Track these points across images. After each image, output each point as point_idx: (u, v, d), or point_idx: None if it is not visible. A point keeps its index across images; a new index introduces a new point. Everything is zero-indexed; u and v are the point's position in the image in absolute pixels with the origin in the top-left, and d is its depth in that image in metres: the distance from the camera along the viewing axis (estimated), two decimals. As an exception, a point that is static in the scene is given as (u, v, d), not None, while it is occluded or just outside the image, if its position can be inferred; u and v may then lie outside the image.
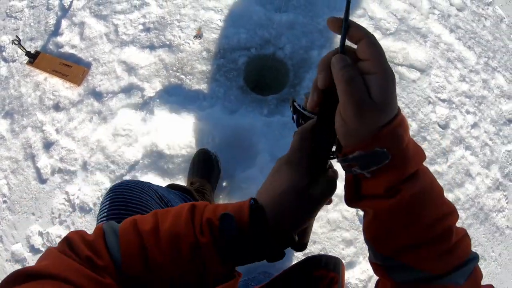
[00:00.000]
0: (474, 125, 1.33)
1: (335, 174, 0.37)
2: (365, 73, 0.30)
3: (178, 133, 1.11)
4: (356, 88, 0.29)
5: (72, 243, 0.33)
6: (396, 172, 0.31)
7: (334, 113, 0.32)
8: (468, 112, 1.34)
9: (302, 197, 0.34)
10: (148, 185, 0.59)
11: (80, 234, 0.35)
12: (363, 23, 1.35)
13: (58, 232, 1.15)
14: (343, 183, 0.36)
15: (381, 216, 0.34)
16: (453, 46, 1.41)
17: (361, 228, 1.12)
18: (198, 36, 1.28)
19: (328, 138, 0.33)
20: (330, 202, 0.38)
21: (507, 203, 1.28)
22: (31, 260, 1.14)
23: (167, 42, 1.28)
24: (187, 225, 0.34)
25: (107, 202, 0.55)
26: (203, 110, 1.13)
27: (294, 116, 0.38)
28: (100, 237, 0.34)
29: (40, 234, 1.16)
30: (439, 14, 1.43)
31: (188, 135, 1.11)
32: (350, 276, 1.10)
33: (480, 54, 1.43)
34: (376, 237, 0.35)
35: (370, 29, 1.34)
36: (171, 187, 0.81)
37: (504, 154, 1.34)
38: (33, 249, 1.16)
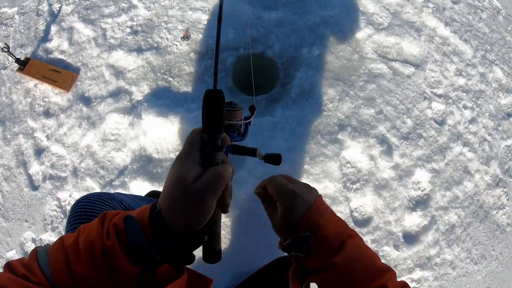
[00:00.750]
0: (472, 121, 1.27)
1: (223, 169, 0.37)
2: (276, 201, 0.46)
3: (166, 137, 1.09)
4: (271, 213, 0.47)
5: (11, 266, 0.36)
6: (323, 247, 0.41)
7: (219, 122, 0.38)
8: (465, 107, 1.28)
9: (187, 188, 0.34)
10: (112, 196, 0.58)
11: (19, 259, 0.38)
12: (355, 18, 1.30)
13: (51, 239, 1.14)
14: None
15: (325, 286, 0.42)
16: (448, 39, 1.36)
17: (356, 230, 1.08)
18: (186, 37, 1.25)
19: (211, 134, 0.37)
20: (226, 209, 0.40)
21: (507, 200, 1.23)
22: (25, 267, 1.14)
23: (155, 45, 1.26)
24: (97, 232, 0.35)
25: (72, 216, 0.55)
26: (191, 113, 1.10)
27: None
28: (33, 258, 0.37)
29: (34, 241, 1.15)
30: (433, 7, 1.38)
31: (177, 138, 1.09)
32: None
33: (477, 47, 1.38)
34: None
35: (362, 24, 1.30)
36: (151, 194, 0.81)
37: (503, 150, 1.28)
38: (27, 256, 1.15)
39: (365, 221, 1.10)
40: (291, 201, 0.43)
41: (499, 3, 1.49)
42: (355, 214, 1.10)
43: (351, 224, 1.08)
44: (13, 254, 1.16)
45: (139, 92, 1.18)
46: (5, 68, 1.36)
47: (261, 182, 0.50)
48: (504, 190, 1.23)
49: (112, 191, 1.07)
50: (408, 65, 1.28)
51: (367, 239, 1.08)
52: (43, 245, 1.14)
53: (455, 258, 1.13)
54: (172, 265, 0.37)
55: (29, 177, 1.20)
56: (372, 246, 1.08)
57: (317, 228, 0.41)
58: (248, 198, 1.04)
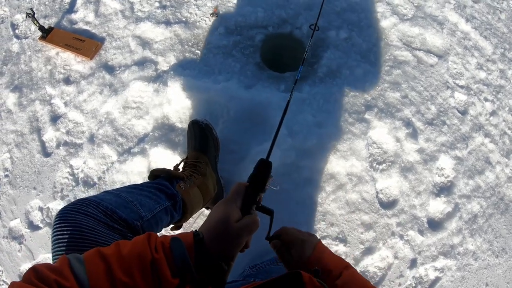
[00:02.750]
0: (493, 113, 1.27)
1: (257, 218, 0.49)
2: (289, 248, 0.59)
3: (191, 106, 1.05)
4: (285, 257, 0.59)
5: (38, 272, 0.37)
6: (328, 276, 0.52)
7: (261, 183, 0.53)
8: (486, 99, 1.28)
9: (230, 226, 0.45)
10: (88, 203, 0.57)
11: (45, 264, 0.39)
12: (380, 7, 1.32)
13: (59, 208, 1.07)
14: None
15: None
16: (469, 35, 1.38)
17: (381, 212, 1.04)
18: (215, 14, 1.24)
19: (254, 190, 0.51)
20: (247, 246, 0.49)
21: (529, 193, 1.21)
22: (29, 238, 1.06)
23: (183, 19, 1.25)
24: (144, 246, 0.41)
25: (54, 234, 0.53)
26: (218, 83, 1.08)
27: None
28: (66, 264, 0.39)
29: (40, 209, 1.08)
30: (455, 3, 1.41)
31: (202, 108, 1.05)
32: (368, 263, 1.01)
33: (496, 44, 1.40)
34: None
35: (388, 12, 1.31)
36: (153, 174, 0.79)
37: (524, 144, 1.27)
38: (31, 226, 1.07)
39: (390, 204, 1.06)
40: (302, 246, 0.57)
41: None
42: (381, 195, 1.06)
43: (376, 206, 1.04)
44: (17, 224, 1.09)
45: (165, 62, 1.16)
46: (26, 37, 1.33)
47: (275, 233, 0.61)
48: (526, 183, 1.21)
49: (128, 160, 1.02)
50: (432, 55, 1.29)
51: (392, 222, 1.04)
52: (51, 214, 1.06)
53: (477, 249, 1.09)
54: (207, 284, 0.43)
55: (42, 143, 1.15)
56: (397, 229, 1.03)
57: (322, 263, 0.54)
58: (275, 170, 0.99)
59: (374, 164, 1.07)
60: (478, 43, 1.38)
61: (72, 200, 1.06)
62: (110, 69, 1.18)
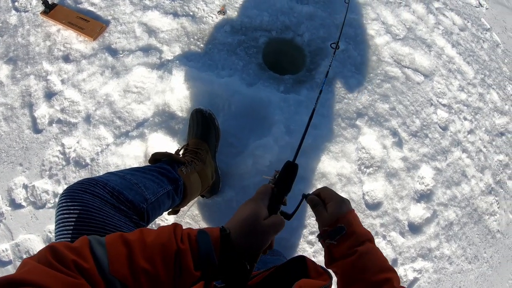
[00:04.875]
0: (471, 131, 1.45)
1: (282, 218, 0.53)
2: (326, 202, 0.63)
3: (193, 96, 1.13)
4: (320, 210, 0.62)
5: (56, 251, 0.37)
6: (351, 239, 0.56)
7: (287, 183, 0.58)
8: (465, 118, 1.47)
9: (258, 223, 0.48)
10: (95, 183, 0.59)
11: (63, 243, 0.40)
12: (376, 25, 1.49)
13: (45, 187, 1.09)
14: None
15: (345, 269, 0.56)
16: (454, 59, 1.58)
17: (367, 212, 1.15)
18: (222, 12, 1.35)
19: (281, 192, 0.56)
20: (271, 247, 0.52)
21: (498, 208, 1.38)
22: (9, 216, 1.06)
23: (191, 13, 1.34)
24: (169, 235, 0.43)
25: (58, 212, 0.55)
26: (221, 78, 1.17)
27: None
28: (86, 244, 0.40)
29: (25, 187, 1.09)
30: (443, 30, 1.62)
31: (204, 99, 1.14)
32: (351, 260, 1.11)
33: (478, 70, 1.61)
34: (344, 286, 0.55)
35: (382, 30, 1.49)
36: (154, 157, 0.81)
37: (496, 163, 1.46)
38: (13, 204, 1.08)
39: (375, 205, 1.18)
40: (338, 204, 0.61)
41: (498, 38, 1.78)
42: (367, 197, 1.18)
43: (362, 206, 1.15)
44: (-4, 200, 1.09)
45: (170, 52, 1.24)
46: (26, 11, 1.37)
47: (315, 191, 0.67)
48: (496, 198, 1.39)
49: (123, 144, 1.07)
50: (419, 73, 1.47)
51: (376, 223, 1.15)
52: (35, 193, 1.07)
53: (452, 254, 1.22)
54: (227, 281, 0.45)
55: (33, 119, 1.17)
56: (380, 229, 1.15)
57: (350, 225, 0.58)
58: (270, 166, 1.09)
59: (362, 168, 1.19)
60: (461, 67, 1.59)
61: (61, 180, 1.09)
62: (113, 52, 1.24)
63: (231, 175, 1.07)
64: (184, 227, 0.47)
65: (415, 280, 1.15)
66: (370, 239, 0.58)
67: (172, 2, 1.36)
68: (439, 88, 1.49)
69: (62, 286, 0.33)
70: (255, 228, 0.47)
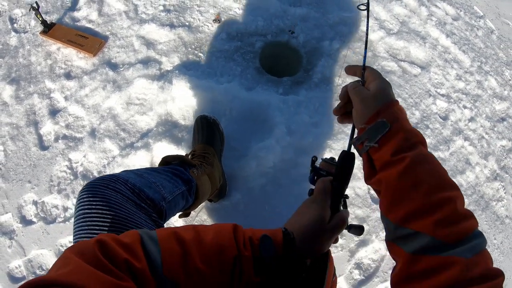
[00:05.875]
0: (471, 119, 1.48)
1: (346, 214, 0.51)
2: (367, 85, 0.51)
3: (195, 104, 1.17)
4: (360, 89, 0.50)
5: (106, 246, 0.34)
6: (397, 138, 0.43)
7: (345, 179, 0.50)
8: (465, 107, 1.49)
9: (324, 227, 0.46)
10: (116, 178, 0.58)
11: (113, 237, 0.37)
12: (369, 22, 1.52)
13: (55, 202, 1.12)
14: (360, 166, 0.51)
15: (391, 182, 0.43)
16: (449, 49, 1.61)
17: (373, 207, 1.17)
18: (217, 20, 1.39)
19: (342, 186, 0.50)
20: (336, 241, 0.51)
21: (505, 193, 1.39)
22: (21, 233, 1.09)
23: (187, 23, 1.38)
24: (230, 238, 0.41)
25: (78, 207, 0.55)
26: (221, 84, 1.20)
27: (311, 175, 0.57)
28: (137, 241, 0.37)
29: (35, 203, 1.12)
30: (436, 21, 1.65)
31: (205, 106, 1.17)
32: (363, 256, 1.13)
33: (474, 58, 1.64)
34: (388, 206, 0.43)
35: (375, 27, 1.52)
36: (165, 160, 0.82)
37: (499, 148, 1.48)
38: (24, 220, 1.11)
39: (381, 200, 1.20)
40: (384, 85, 0.48)
41: (492, 25, 1.81)
42: (372, 191, 1.20)
43: (368, 201, 1.18)
44: (8, 218, 1.12)
45: (169, 62, 1.28)
46: (25, 32, 1.41)
47: (361, 67, 0.54)
48: (502, 184, 1.40)
49: (130, 157, 1.10)
50: (415, 66, 1.50)
51: (383, 217, 1.17)
52: (45, 208, 1.09)
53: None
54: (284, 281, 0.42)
55: (39, 136, 1.20)
56: (388, 224, 1.17)
57: (396, 119, 0.44)
58: (274, 166, 1.12)
59: (366, 163, 1.22)
60: (457, 56, 1.62)
61: (70, 194, 1.12)
62: (113, 66, 1.28)
63: (236, 178, 1.09)
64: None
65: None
66: (423, 142, 0.44)
67: (168, 13, 1.40)
68: (436, 79, 1.52)
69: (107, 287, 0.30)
70: (322, 233, 0.45)
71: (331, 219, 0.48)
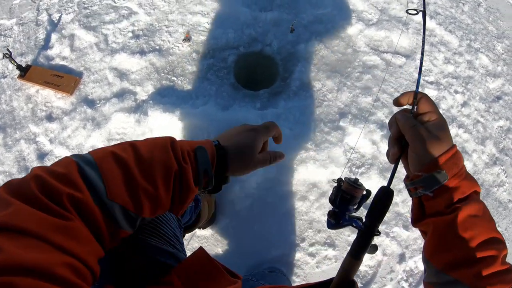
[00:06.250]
0: (464, 104, 1.41)
1: (270, 156, 0.52)
2: (424, 122, 0.46)
3: (173, 132, 1.17)
4: (421, 130, 0.44)
5: (44, 182, 0.32)
6: (453, 191, 0.42)
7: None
8: (456, 92, 1.42)
9: (253, 156, 0.49)
10: None
11: (47, 169, 0.34)
12: (346, 15, 1.46)
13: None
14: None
15: (440, 229, 0.44)
16: (434, 31, 1.52)
17: (364, 213, 1.16)
18: (187, 39, 1.36)
19: (375, 224, 0.46)
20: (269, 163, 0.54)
21: (506, 177, 1.34)
22: None
23: (157, 47, 1.36)
24: (167, 152, 0.41)
25: None
26: (196, 108, 1.19)
27: (334, 197, 0.52)
28: (75, 169, 0.35)
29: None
30: (418, 2, 1.55)
31: (184, 133, 1.17)
32: (358, 262, 1.13)
33: (462, 37, 1.55)
34: (433, 251, 0.44)
35: (353, 21, 1.45)
36: None
37: (496, 130, 1.41)
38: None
39: (372, 204, 1.18)
40: (444, 124, 0.44)
41: None
42: (363, 197, 1.18)
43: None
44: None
45: (144, 92, 1.27)
46: (4, 76, 1.44)
47: (403, 97, 0.48)
48: (502, 168, 1.35)
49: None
50: (399, 56, 1.43)
51: (376, 222, 1.15)
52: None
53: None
54: (213, 190, 0.48)
55: (32, 182, 1.24)
56: (381, 228, 1.15)
57: (455, 171, 0.43)
58: (258, 187, 1.11)
59: (354, 169, 1.19)
60: (444, 38, 1.53)
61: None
62: (90, 103, 1.29)
63: (222, 203, 1.10)
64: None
65: (427, 270, 1.16)
66: (477, 191, 0.45)
67: (137, 40, 1.38)
68: (423, 66, 1.45)
69: (52, 231, 0.29)
70: (249, 159, 0.48)
71: (260, 153, 0.51)
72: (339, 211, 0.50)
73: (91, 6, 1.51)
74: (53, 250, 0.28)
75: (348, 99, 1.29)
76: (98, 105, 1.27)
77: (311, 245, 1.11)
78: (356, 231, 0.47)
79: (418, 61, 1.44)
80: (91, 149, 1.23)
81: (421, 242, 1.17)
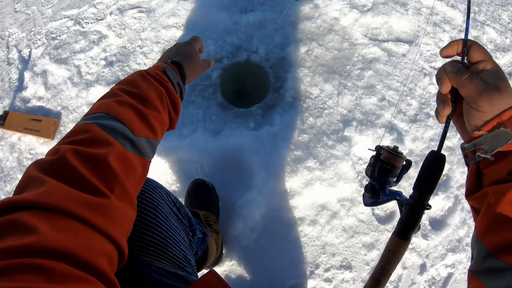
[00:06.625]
0: (477, 88, 1.10)
1: (208, 63, 0.57)
2: (479, 72, 0.34)
3: (163, 170, 0.92)
4: (477, 81, 0.33)
5: (84, 153, 0.28)
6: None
7: None
8: (467, 75, 1.11)
9: (198, 60, 0.53)
10: (161, 186, 0.51)
11: (74, 141, 0.31)
12: (337, 4, 1.11)
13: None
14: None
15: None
16: (436, 9, 1.17)
17: (380, 228, 0.92)
18: (164, 58, 1.06)
19: (425, 197, 0.36)
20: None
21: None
22: None
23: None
24: (151, 82, 0.40)
25: None
26: (184, 139, 0.92)
27: (371, 168, 0.41)
28: (97, 130, 0.32)
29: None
30: (415, -24, 1.18)
31: (175, 169, 0.92)
32: (378, 280, 0.91)
33: (465, 11, 1.19)
34: (487, 229, 0.32)
35: (346, 8, 1.10)
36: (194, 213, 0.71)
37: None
38: None
39: (388, 217, 0.94)
40: (503, 75, 0.33)
41: None
42: (377, 211, 0.94)
43: (374, 224, 0.92)
44: None
45: (126, 126, 1.00)
46: (-14, 125, 1.18)
47: (451, 44, 0.37)
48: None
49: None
50: (401, 43, 1.10)
51: (394, 236, 0.92)
52: None
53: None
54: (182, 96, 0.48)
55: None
56: (400, 241, 0.92)
57: None
58: (262, 219, 0.88)
59: (364, 182, 0.94)
60: (447, 14, 1.18)
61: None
62: (74, 145, 1.03)
63: (228, 240, 0.88)
64: None
65: (450, 275, 0.94)
66: None
67: (111, 67, 1.08)
68: (428, 51, 1.12)
69: (89, 210, 0.25)
70: (196, 63, 0.52)
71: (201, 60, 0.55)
72: (377, 184, 0.41)
73: (60, 36, 1.19)
74: (91, 232, 0.24)
75: (350, 103, 0.99)
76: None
77: (326, 270, 0.90)
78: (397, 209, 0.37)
79: (422, 46, 1.11)
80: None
81: (442, 248, 0.95)
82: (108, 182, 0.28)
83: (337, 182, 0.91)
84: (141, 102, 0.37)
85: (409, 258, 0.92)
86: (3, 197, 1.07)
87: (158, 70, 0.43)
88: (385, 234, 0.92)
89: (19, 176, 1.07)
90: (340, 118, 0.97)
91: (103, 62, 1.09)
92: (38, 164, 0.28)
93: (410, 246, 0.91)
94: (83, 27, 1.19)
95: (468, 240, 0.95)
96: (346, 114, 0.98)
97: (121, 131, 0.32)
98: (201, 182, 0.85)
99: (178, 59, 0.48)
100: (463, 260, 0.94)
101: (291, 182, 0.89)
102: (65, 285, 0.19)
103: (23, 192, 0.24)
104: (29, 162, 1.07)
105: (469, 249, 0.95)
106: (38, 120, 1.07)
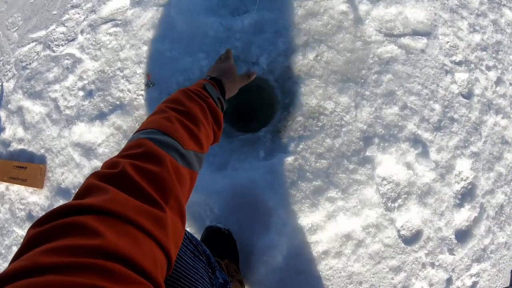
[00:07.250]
0: (498, 81, 0.78)
1: (245, 75, 0.51)
2: None
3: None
4: None
5: (142, 168, 0.24)
6: None
7: None
8: (488, 68, 0.78)
9: (236, 74, 0.48)
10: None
11: (133, 156, 0.25)
12: (345, -5, 0.73)
13: None
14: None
15: None
16: (455, -11, 0.79)
17: (407, 249, 0.68)
18: (150, 82, 0.70)
19: None
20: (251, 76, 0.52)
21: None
22: None
23: (117, 102, 0.72)
24: (197, 101, 0.36)
25: None
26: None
27: None
28: (152, 145, 0.27)
29: None
30: (432, -50, 0.78)
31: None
32: (404, 297, 0.70)
33: (486, -11, 0.81)
34: None
35: (355, 1, 0.73)
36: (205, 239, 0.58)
37: (534, 104, 0.81)
38: None
39: (414, 237, 0.69)
40: None
41: None
42: (403, 232, 0.68)
43: (401, 246, 0.67)
44: None
45: (119, 167, 0.69)
46: (-27, 172, 0.85)
47: None
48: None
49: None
50: (419, 36, 0.74)
51: (421, 255, 0.68)
52: None
53: (508, 238, 0.74)
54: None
55: None
56: (427, 260, 0.68)
57: None
58: (284, 258, 0.62)
59: (389, 204, 0.66)
60: (465, -3, 0.80)
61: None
62: (65, 193, 0.72)
63: (250, 285, 0.63)
64: None
65: (474, 284, 0.72)
66: None
67: (91, 98, 0.73)
68: (448, 42, 0.77)
69: (147, 219, 0.20)
70: (234, 78, 0.47)
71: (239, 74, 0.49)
72: None
73: (30, 64, 0.81)
74: (150, 241, 0.21)
75: (370, 116, 0.68)
76: (74, 193, 0.71)
77: (353, 296, 0.67)
78: None
79: (441, 38, 0.76)
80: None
81: (467, 260, 0.72)
82: (164, 195, 0.23)
83: (361, 210, 0.63)
84: (187, 118, 0.32)
85: (435, 275, 0.69)
86: (3, 252, 0.79)
87: (198, 87, 0.38)
88: (412, 255, 0.67)
89: (15, 229, 0.77)
90: (360, 136, 0.66)
91: (81, 93, 0.73)
92: (99, 175, 0.23)
93: (436, 264, 0.68)
94: (53, 51, 0.80)
95: (493, 247, 0.72)
96: (366, 130, 0.67)
97: (172, 145, 0.28)
98: (215, 230, 0.59)
99: (216, 75, 0.43)
100: (487, 268, 0.72)
101: (313, 217, 0.62)
102: (126, 287, 0.17)
103: (84, 199, 0.20)
104: (23, 213, 0.77)
105: (494, 256, 0.72)
106: (23, 168, 0.74)
